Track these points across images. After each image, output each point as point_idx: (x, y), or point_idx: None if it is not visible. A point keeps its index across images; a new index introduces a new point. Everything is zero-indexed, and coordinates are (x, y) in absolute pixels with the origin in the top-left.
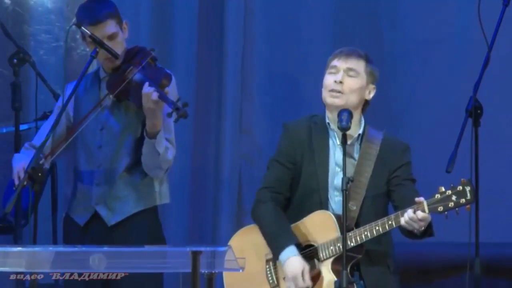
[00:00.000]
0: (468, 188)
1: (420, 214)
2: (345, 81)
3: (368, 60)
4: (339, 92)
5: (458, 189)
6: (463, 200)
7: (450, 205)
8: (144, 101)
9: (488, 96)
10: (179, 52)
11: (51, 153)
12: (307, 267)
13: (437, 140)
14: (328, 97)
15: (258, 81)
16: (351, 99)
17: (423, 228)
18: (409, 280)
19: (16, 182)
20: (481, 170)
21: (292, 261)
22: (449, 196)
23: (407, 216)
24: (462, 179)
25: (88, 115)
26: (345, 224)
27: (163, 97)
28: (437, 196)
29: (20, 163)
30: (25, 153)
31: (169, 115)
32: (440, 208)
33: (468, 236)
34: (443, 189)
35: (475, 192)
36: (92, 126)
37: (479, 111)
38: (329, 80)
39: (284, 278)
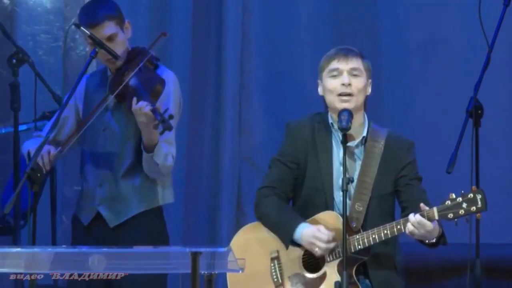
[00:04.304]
0: (479, 196)
1: (418, 218)
2: (352, 82)
3: (363, 56)
4: (349, 95)
5: (468, 196)
6: (473, 208)
7: (460, 212)
8: (136, 116)
9: (489, 96)
10: (176, 52)
11: (62, 147)
12: (320, 226)
13: (438, 141)
14: (337, 102)
15: (257, 81)
16: (359, 100)
17: (433, 239)
18: (410, 281)
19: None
20: (482, 170)
21: (306, 230)
22: (460, 203)
23: (410, 225)
24: (473, 187)
25: (93, 112)
26: (345, 223)
27: (153, 111)
28: (448, 202)
29: (31, 147)
30: (36, 139)
31: (156, 126)
32: (450, 215)
33: (469, 237)
34: (453, 195)
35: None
36: (96, 126)
37: (479, 112)
38: (334, 83)
39: (289, 277)
